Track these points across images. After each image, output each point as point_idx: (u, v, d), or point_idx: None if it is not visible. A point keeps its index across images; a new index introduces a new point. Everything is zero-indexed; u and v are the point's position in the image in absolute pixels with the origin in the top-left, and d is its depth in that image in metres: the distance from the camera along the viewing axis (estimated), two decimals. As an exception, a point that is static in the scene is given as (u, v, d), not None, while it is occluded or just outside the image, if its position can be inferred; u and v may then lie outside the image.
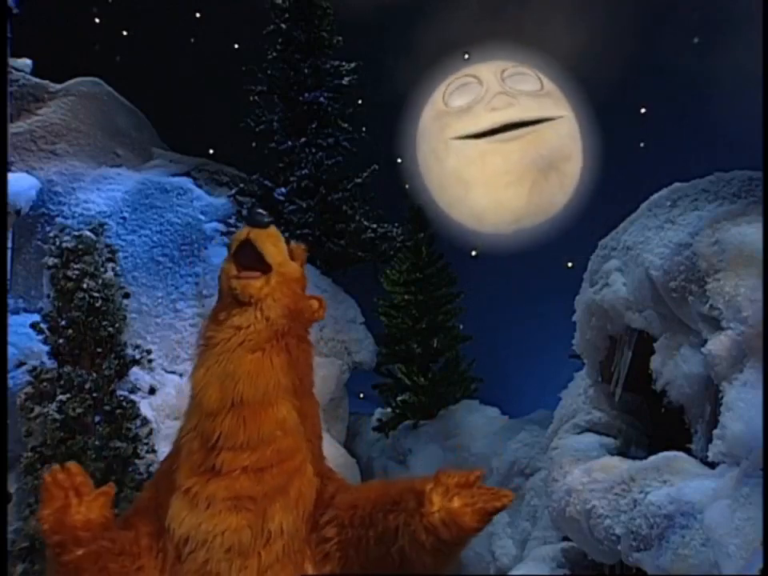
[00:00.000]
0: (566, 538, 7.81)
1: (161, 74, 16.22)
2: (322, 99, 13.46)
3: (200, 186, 13.95)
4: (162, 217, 12.99)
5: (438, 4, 15.39)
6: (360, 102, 14.05)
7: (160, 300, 12.05)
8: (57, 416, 9.14)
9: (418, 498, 2.26)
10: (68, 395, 9.26)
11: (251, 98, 13.67)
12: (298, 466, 2.57)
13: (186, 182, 13.84)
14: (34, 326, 9.66)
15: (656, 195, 7.47)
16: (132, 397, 9.88)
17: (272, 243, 2.58)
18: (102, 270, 9.78)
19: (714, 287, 6.03)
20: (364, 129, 13.86)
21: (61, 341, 9.51)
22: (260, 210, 2.59)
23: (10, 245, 11.00)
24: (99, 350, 9.64)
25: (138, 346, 10.20)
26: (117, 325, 9.71)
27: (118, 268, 10.16)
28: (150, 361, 10.38)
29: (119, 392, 9.75)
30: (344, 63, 13.70)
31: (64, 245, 9.66)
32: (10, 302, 11.06)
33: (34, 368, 9.53)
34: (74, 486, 2.52)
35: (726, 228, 6.25)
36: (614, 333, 7.52)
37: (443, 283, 12.94)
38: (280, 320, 2.56)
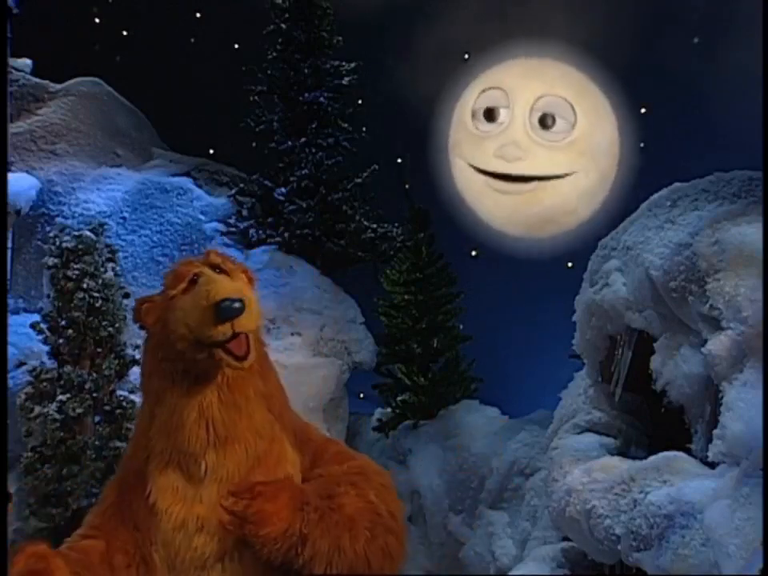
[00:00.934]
0: (566, 538, 7.80)
1: (161, 74, 16.21)
2: (321, 99, 13.45)
3: (200, 186, 13.95)
4: (162, 217, 12.99)
5: (439, 4, 15.39)
6: (360, 101, 14.04)
7: (160, 300, 12.02)
8: (57, 416, 9.13)
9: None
10: (68, 395, 9.25)
11: (251, 98, 13.64)
12: (277, 458, 2.71)
13: (186, 182, 13.84)
14: (33, 326, 9.65)
15: (656, 195, 7.46)
16: (132, 397, 9.85)
17: (251, 314, 2.55)
18: (102, 270, 9.77)
19: (714, 287, 6.03)
20: (364, 129, 13.86)
21: (61, 341, 9.51)
22: (226, 302, 2.48)
23: (10, 245, 11.01)
24: (99, 350, 9.63)
25: (138, 346, 10.18)
26: (117, 325, 9.70)
27: (117, 268, 10.15)
28: (150, 361, 10.34)
29: (119, 392, 9.73)
30: (344, 63, 13.68)
31: (64, 245, 9.65)
32: (10, 302, 11.06)
33: (34, 368, 9.52)
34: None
35: (726, 228, 6.24)
36: (614, 333, 7.51)
37: (443, 283, 12.92)
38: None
